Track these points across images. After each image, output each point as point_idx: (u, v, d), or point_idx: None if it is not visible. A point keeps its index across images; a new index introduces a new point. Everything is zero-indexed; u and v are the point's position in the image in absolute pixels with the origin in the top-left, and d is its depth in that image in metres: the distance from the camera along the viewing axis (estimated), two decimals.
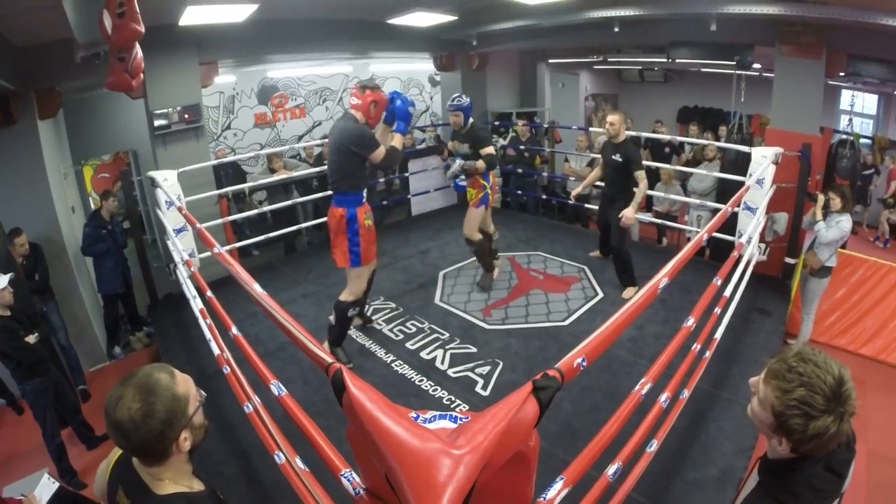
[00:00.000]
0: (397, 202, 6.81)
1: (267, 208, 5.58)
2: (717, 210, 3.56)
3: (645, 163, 6.06)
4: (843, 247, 4.26)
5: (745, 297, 3.37)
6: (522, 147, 6.62)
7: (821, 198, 3.86)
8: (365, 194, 3.17)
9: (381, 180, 6.48)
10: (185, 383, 1.09)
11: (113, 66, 2.68)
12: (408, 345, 3.60)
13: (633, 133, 6.26)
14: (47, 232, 4.26)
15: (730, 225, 4.13)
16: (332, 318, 3.37)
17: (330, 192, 3.23)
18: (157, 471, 1.08)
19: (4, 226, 3.72)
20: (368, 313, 3.99)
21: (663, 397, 1.98)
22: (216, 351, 2.69)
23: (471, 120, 4.09)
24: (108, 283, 4.63)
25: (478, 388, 3.11)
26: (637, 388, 1.69)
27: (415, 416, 1.01)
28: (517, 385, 1.08)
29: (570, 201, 6.25)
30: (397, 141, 3.11)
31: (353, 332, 3.78)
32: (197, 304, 3.06)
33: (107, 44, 2.55)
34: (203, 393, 1.14)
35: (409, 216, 6.55)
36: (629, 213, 3.87)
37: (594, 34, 5.72)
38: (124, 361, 4.74)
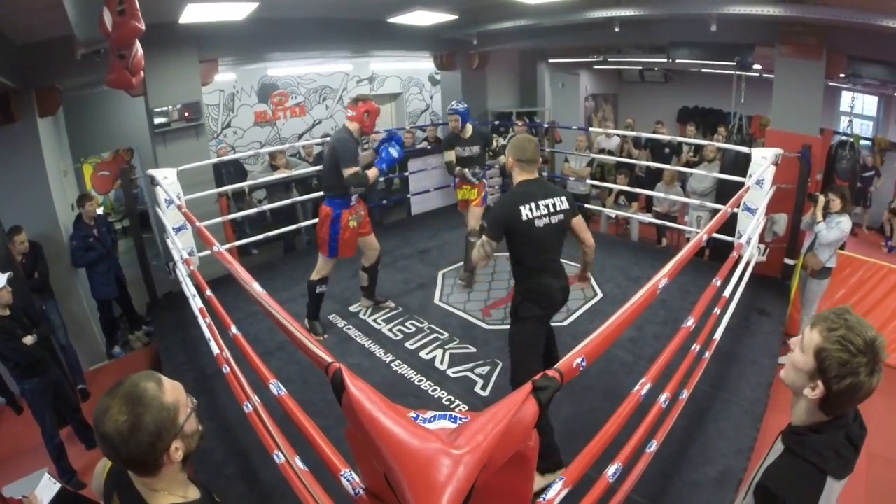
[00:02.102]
0: (397, 201, 6.81)
1: (267, 207, 5.58)
2: (716, 211, 3.56)
3: (645, 163, 6.13)
4: (842, 248, 4.27)
5: (744, 297, 3.37)
6: None
7: (821, 199, 3.86)
8: (353, 199, 3.53)
9: (381, 179, 6.47)
10: (173, 391, 1.04)
11: (113, 64, 2.68)
12: (407, 345, 3.60)
13: (634, 133, 6.29)
14: (47, 230, 4.26)
15: (729, 225, 4.12)
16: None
17: None
18: (150, 481, 1.05)
19: (4, 224, 3.72)
20: (368, 311, 4.02)
21: (663, 398, 1.98)
22: (215, 350, 2.69)
23: (468, 125, 4.28)
24: (102, 288, 4.57)
25: (477, 388, 3.12)
26: (636, 388, 1.69)
27: (414, 416, 1.00)
28: None
29: None
30: (372, 172, 3.43)
31: (352, 332, 3.79)
32: (196, 303, 3.06)
33: (107, 41, 2.55)
34: (194, 400, 1.11)
35: (409, 215, 6.55)
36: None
37: (594, 34, 5.72)
38: (124, 360, 4.74)
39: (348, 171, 3.27)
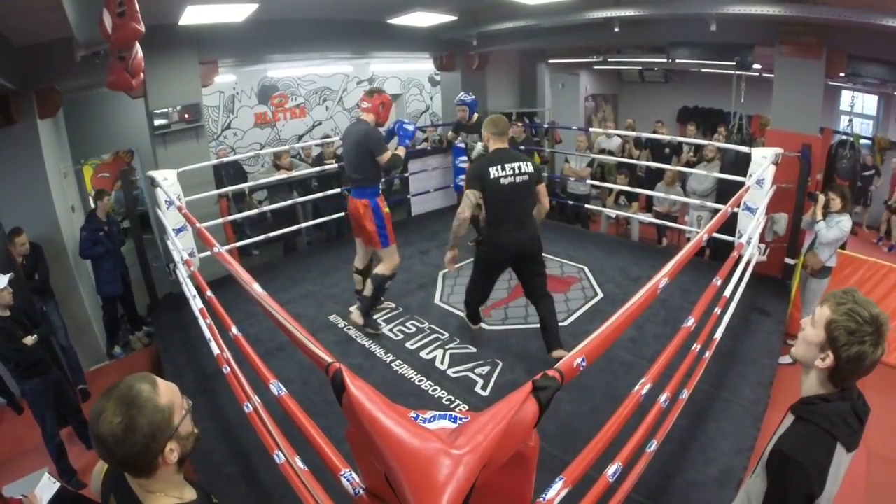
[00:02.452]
0: (397, 202, 6.80)
1: (267, 208, 5.58)
2: (717, 210, 3.56)
3: (645, 163, 6.14)
4: (843, 247, 4.26)
5: (744, 297, 3.37)
6: (522, 148, 6.60)
7: (821, 198, 3.86)
8: (381, 186, 3.62)
9: (382, 180, 6.47)
10: (168, 393, 1.05)
11: (113, 66, 2.68)
12: (407, 345, 3.60)
13: (634, 133, 6.29)
14: (47, 231, 4.26)
15: (730, 225, 4.12)
16: (366, 290, 3.66)
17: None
18: (146, 483, 1.06)
19: (4, 225, 3.72)
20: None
21: (663, 397, 1.98)
22: (216, 351, 2.69)
23: (475, 115, 4.82)
24: (108, 285, 4.62)
25: (477, 388, 3.11)
26: (637, 388, 1.69)
27: (414, 415, 1.00)
28: (517, 385, 1.08)
29: (569, 202, 6.26)
30: (401, 151, 3.53)
31: (352, 332, 3.79)
32: (197, 304, 3.06)
33: (107, 43, 2.55)
34: (189, 401, 1.11)
35: (409, 216, 6.55)
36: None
37: (594, 34, 5.72)
38: (124, 361, 4.74)
39: (385, 156, 3.37)
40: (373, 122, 3.41)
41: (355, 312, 3.66)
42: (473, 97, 4.90)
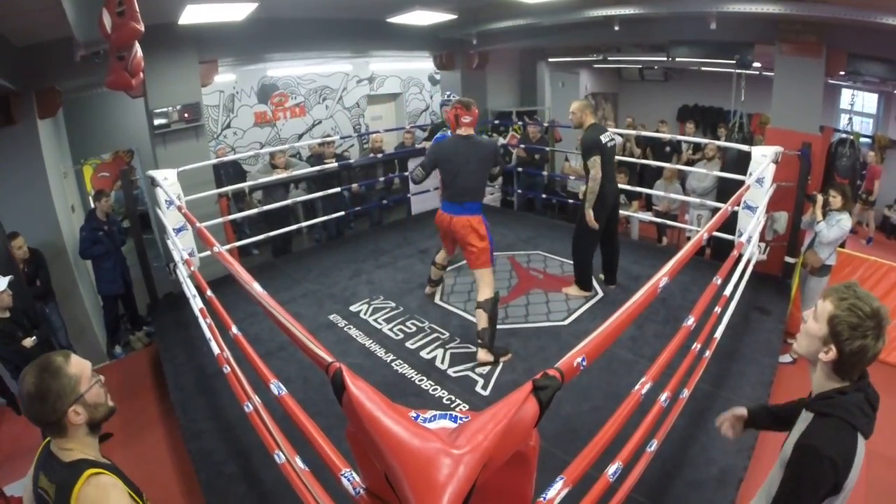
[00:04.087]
0: (397, 201, 6.81)
1: (267, 207, 5.57)
2: (717, 209, 3.56)
3: (645, 162, 6.13)
4: (843, 246, 4.26)
5: (745, 296, 3.37)
6: (533, 148, 6.60)
7: (820, 198, 3.86)
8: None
9: (381, 179, 6.48)
10: (78, 365, 1.29)
11: (113, 65, 2.67)
12: (408, 344, 3.60)
13: (634, 132, 6.28)
14: (47, 231, 4.26)
15: (730, 224, 4.12)
16: (482, 323, 3.27)
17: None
18: (62, 442, 1.28)
19: (4, 226, 3.72)
20: (368, 311, 4.02)
21: (663, 397, 1.98)
22: (216, 350, 2.69)
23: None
24: (108, 284, 4.62)
25: (478, 388, 3.11)
26: (637, 387, 1.69)
27: (415, 415, 1.00)
28: (517, 384, 1.08)
29: (570, 200, 6.25)
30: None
31: (353, 332, 3.79)
32: (197, 304, 3.06)
33: (106, 43, 2.54)
34: (100, 376, 1.35)
35: (409, 215, 6.55)
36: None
37: (594, 33, 5.72)
38: (124, 361, 4.74)
39: (497, 170, 3.42)
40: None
41: (481, 352, 3.30)
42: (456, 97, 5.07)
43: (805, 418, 1.34)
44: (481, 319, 3.27)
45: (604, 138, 3.73)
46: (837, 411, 1.25)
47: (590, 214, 3.77)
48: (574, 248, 4.10)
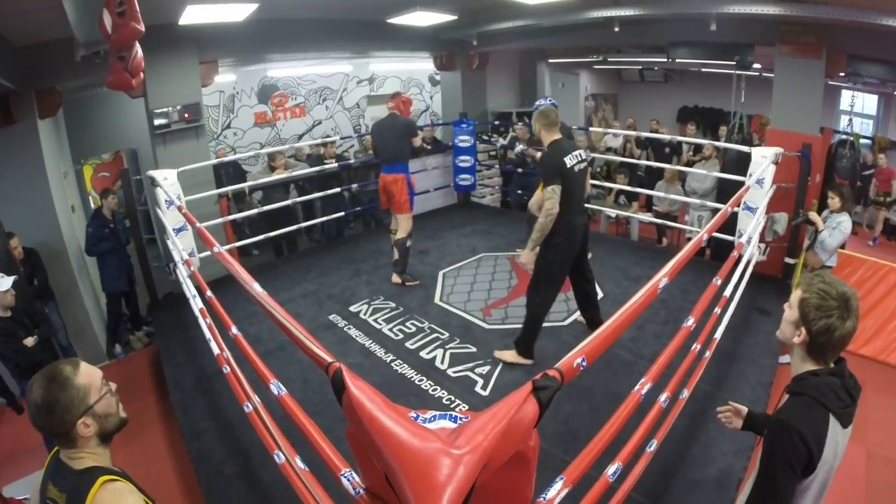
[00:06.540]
0: None
1: (267, 207, 5.57)
2: (717, 210, 3.56)
3: (645, 163, 6.13)
4: (843, 247, 4.26)
5: (744, 297, 3.36)
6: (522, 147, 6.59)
7: (813, 215, 3.88)
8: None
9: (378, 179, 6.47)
10: (87, 375, 1.22)
11: (113, 65, 2.68)
12: (407, 344, 3.60)
13: (635, 133, 6.29)
14: (47, 231, 4.26)
15: (730, 225, 4.12)
16: (395, 256, 4.51)
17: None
18: (71, 452, 1.22)
19: (4, 225, 3.72)
20: (368, 311, 4.04)
21: (663, 397, 1.98)
22: (216, 350, 2.69)
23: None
24: (113, 282, 4.65)
25: (477, 388, 3.11)
26: (637, 388, 1.69)
27: (414, 415, 1.00)
28: (517, 385, 1.08)
29: None
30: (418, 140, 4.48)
31: (353, 332, 3.79)
32: (197, 304, 3.06)
33: (107, 43, 2.55)
34: (111, 386, 1.28)
35: None
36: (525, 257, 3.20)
37: (594, 34, 5.73)
38: (124, 360, 4.74)
39: (417, 140, 4.38)
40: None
41: (395, 277, 4.51)
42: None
43: (782, 401, 1.39)
44: (395, 253, 4.48)
45: (569, 161, 3.00)
46: (808, 390, 1.31)
47: (529, 256, 3.13)
48: (528, 297, 3.22)
